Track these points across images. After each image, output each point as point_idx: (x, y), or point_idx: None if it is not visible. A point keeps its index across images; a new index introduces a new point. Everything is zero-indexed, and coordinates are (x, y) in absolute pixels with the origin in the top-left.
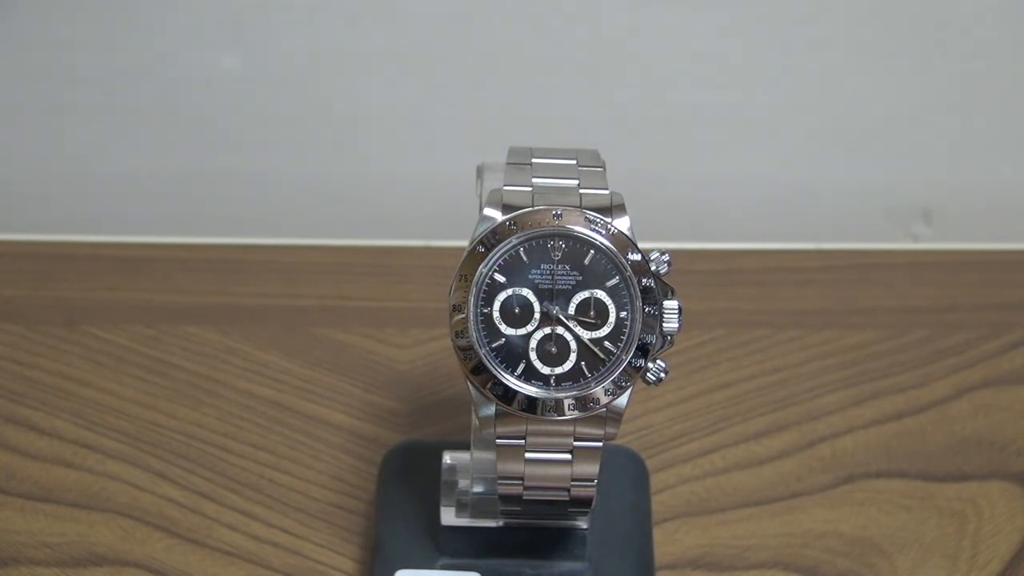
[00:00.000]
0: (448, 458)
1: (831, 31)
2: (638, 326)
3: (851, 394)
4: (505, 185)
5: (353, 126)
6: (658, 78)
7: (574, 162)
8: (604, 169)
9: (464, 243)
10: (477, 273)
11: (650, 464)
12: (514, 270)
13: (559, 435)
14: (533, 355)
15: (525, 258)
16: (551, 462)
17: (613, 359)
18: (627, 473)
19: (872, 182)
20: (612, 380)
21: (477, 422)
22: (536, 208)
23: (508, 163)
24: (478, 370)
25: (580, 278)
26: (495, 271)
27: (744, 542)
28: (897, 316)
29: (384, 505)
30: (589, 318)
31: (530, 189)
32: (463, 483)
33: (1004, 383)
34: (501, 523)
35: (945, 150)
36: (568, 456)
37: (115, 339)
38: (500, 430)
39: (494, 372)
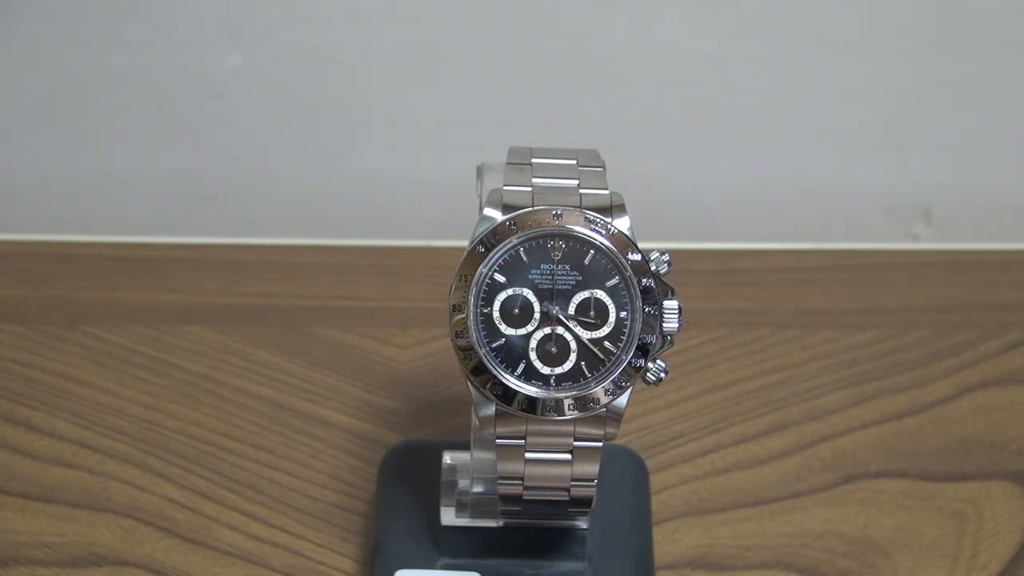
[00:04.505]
0: (448, 458)
1: (831, 31)
2: (638, 326)
3: (851, 394)
4: (505, 185)
5: (353, 126)
6: (658, 78)
7: (574, 162)
8: (604, 169)
9: (464, 243)
10: (477, 273)
11: (650, 464)
12: (514, 270)
13: (559, 435)
14: (533, 355)
15: (525, 258)
16: (551, 462)
17: (613, 359)
18: (627, 473)
19: (872, 182)
20: (612, 380)
21: (477, 422)
22: (536, 208)
23: (508, 163)
24: (478, 370)
25: (580, 278)
26: (495, 271)
27: (744, 542)
28: (897, 316)
29: (384, 505)
30: (589, 318)
31: (530, 189)
32: (463, 483)
33: (1004, 383)
34: (501, 523)
35: (945, 150)
36: (568, 456)
37: (115, 339)
38: (500, 430)
39: (494, 372)
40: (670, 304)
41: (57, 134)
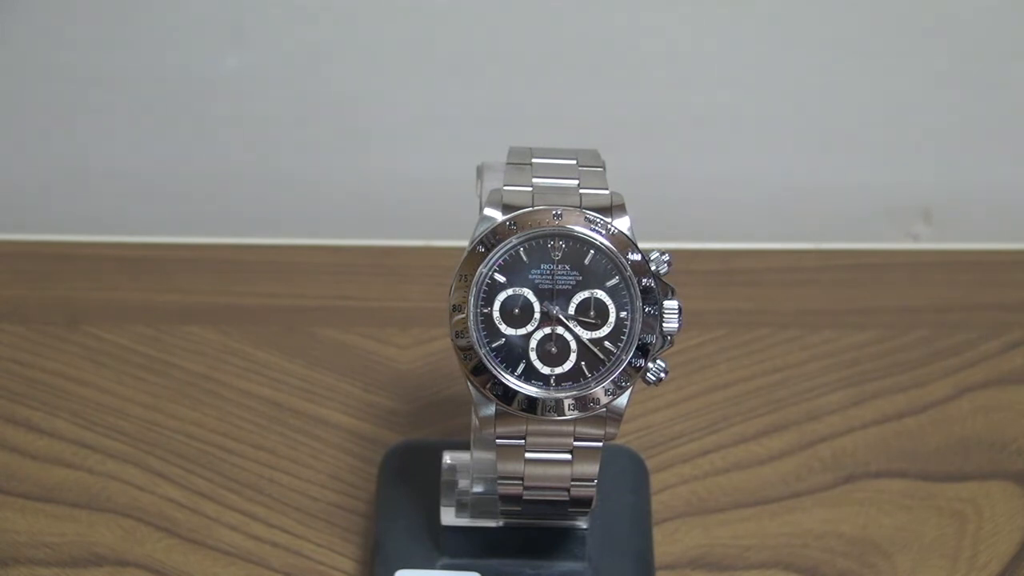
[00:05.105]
0: (448, 458)
1: (831, 31)
2: (638, 326)
3: (851, 394)
4: (505, 185)
5: (353, 126)
6: (658, 78)
7: (574, 162)
8: (604, 169)
9: (464, 243)
10: (477, 273)
11: (650, 464)
12: (514, 270)
13: (559, 435)
14: (533, 355)
15: (525, 258)
16: (551, 462)
17: (613, 359)
18: (627, 473)
19: (872, 182)
20: (612, 380)
21: (477, 422)
22: (536, 208)
23: (508, 163)
24: (478, 370)
25: (580, 278)
26: (495, 271)
27: (744, 542)
28: (897, 316)
29: (384, 505)
30: (589, 318)
31: (530, 189)
32: (463, 483)
33: (1004, 383)
34: (501, 523)
35: (945, 150)
36: (568, 456)
37: (115, 339)
38: (500, 430)
39: (494, 372)
40: (670, 304)
41: (57, 134)
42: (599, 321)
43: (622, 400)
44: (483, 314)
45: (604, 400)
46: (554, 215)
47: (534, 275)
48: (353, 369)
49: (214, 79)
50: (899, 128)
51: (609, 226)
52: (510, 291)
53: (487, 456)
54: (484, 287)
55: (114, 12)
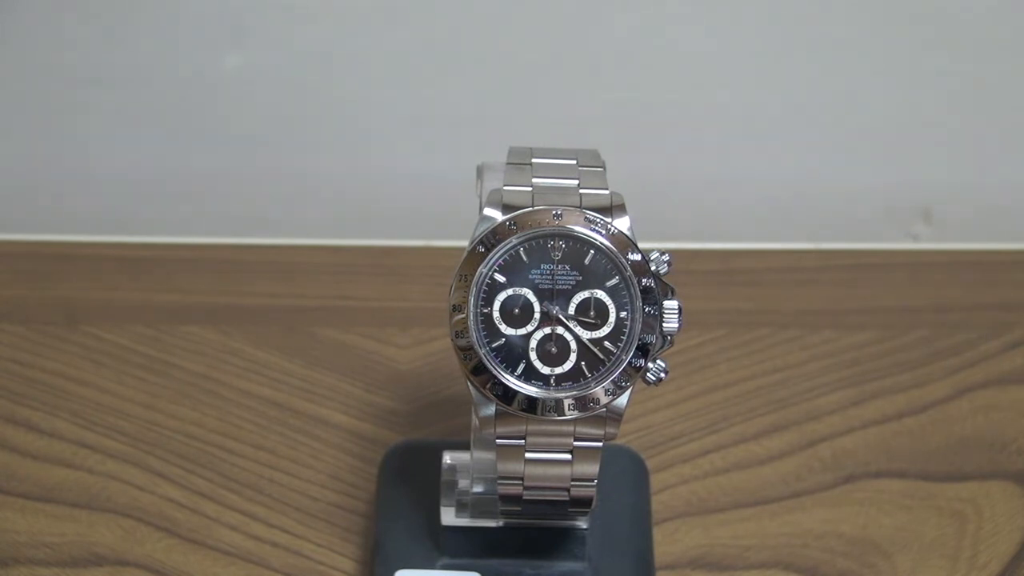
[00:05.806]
0: (448, 458)
1: (831, 31)
2: (638, 326)
3: (851, 394)
4: (505, 185)
5: (353, 126)
6: (658, 78)
7: (574, 162)
8: (604, 169)
9: (464, 243)
10: (477, 273)
11: (650, 464)
12: (514, 270)
13: (559, 435)
14: (533, 355)
15: (525, 258)
16: (551, 462)
17: (613, 359)
18: (627, 473)
19: (872, 182)
20: (612, 380)
21: (477, 422)
22: (536, 208)
23: (508, 163)
24: (478, 370)
25: (580, 278)
26: (495, 271)
27: (744, 542)
28: (897, 316)
29: (384, 505)
30: (589, 318)
31: (530, 189)
32: (463, 483)
33: (1004, 383)
34: (501, 523)
35: (945, 150)
36: (568, 456)
37: (115, 339)
38: (500, 430)
39: (494, 372)
40: (670, 304)
41: (57, 134)
42: (599, 321)
43: (622, 400)
44: (483, 314)
45: (604, 400)
46: (554, 215)
47: (534, 275)
48: (353, 369)
49: (214, 79)
50: (899, 128)
51: (609, 226)
52: (510, 291)
53: (487, 456)
54: (484, 287)
55: (114, 12)
